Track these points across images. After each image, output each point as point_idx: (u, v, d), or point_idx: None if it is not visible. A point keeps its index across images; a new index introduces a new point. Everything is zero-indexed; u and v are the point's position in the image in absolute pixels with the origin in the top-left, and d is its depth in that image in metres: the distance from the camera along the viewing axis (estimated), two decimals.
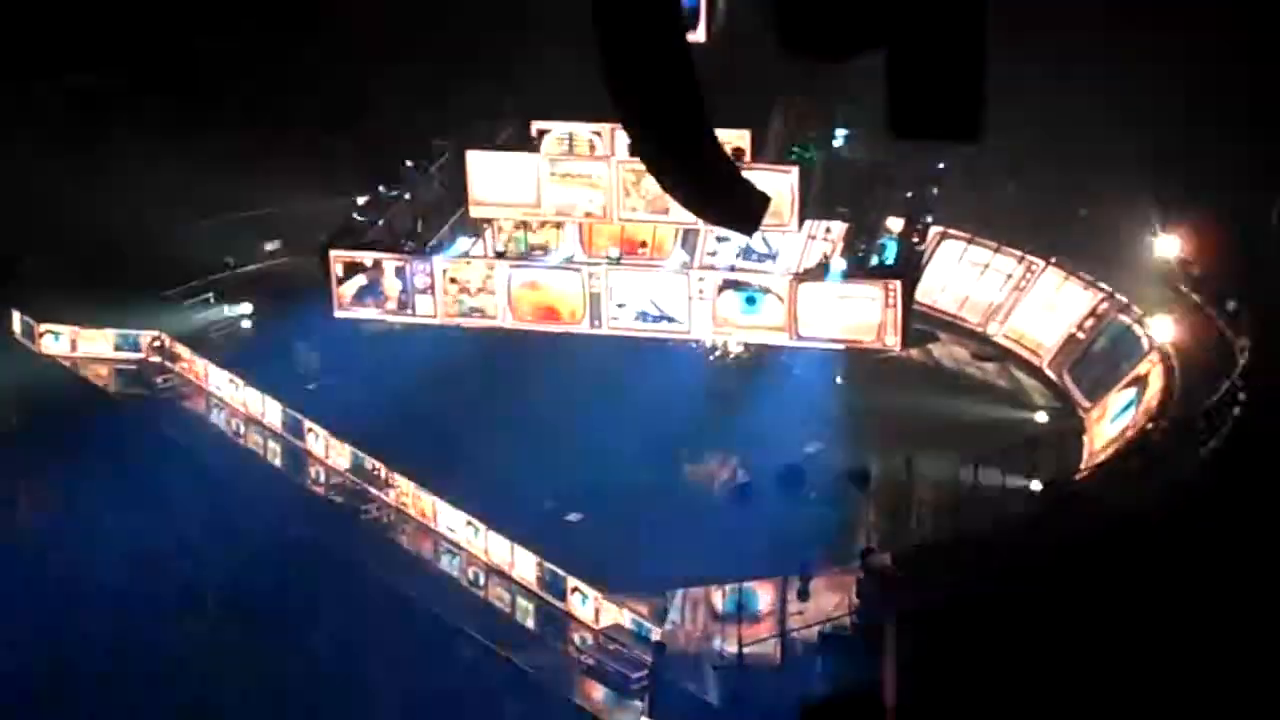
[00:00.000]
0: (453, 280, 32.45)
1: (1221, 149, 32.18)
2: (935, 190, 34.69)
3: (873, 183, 34.79)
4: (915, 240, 33.34)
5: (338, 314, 32.96)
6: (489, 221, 34.78)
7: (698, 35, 31.17)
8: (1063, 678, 19.47)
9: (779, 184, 30.31)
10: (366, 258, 32.75)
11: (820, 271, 31.67)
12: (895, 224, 34.14)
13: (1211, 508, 23.84)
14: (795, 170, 31.60)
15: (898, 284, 30.72)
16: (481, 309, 32.37)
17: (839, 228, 34.17)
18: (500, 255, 33.14)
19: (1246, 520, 22.73)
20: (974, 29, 8.38)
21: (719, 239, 33.52)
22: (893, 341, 30.91)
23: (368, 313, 32.90)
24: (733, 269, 31.84)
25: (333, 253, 32.94)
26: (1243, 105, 32.23)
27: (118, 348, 36.38)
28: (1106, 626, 21.03)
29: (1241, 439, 26.63)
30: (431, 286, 32.44)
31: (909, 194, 34.49)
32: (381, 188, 35.41)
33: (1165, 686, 19.13)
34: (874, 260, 32.21)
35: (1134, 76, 33.48)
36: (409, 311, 32.67)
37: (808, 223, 33.16)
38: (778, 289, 31.27)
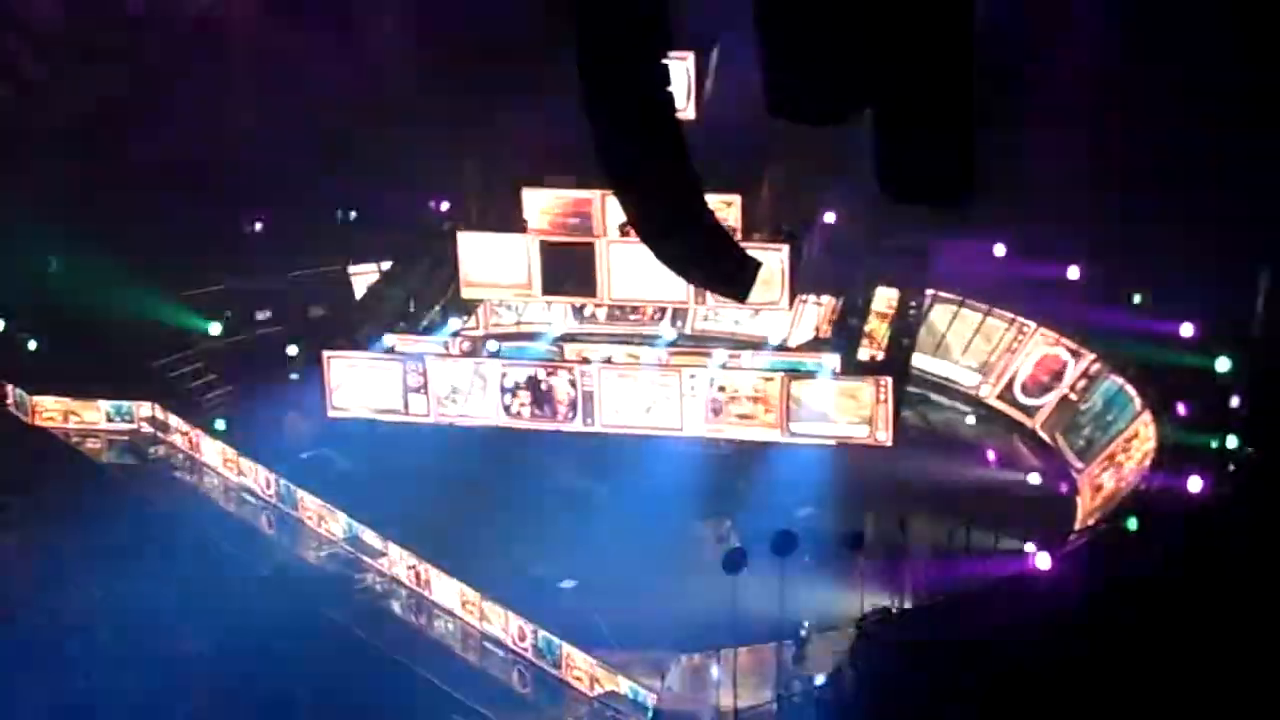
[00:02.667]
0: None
1: (1211, 208, 32.38)
2: (925, 260, 34.81)
3: (863, 254, 34.88)
4: (909, 313, 33.26)
5: (330, 413, 32.85)
6: (480, 302, 34.78)
7: (687, 112, 31.31)
8: None
9: (769, 260, 30.12)
10: (359, 359, 32.75)
11: (813, 347, 31.61)
12: (887, 294, 34.20)
13: (1205, 565, 23.87)
14: (786, 247, 31.49)
15: (889, 380, 30.50)
16: (470, 413, 32.19)
17: (830, 301, 34.19)
18: (494, 354, 32.73)
19: (1242, 576, 22.76)
20: (961, 93, 8.49)
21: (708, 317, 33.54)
22: (884, 437, 30.53)
23: (360, 411, 32.79)
24: (723, 366, 31.43)
25: (325, 354, 32.87)
26: (1237, 165, 32.42)
27: (110, 418, 36.29)
28: (1104, 685, 21.01)
29: (1234, 497, 26.68)
30: (424, 386, 32.36)
31: (900, 264, 34.59)
32: (379, 270, 35.53)
33: None
34: (864, 339, 32.04)
35: (1121, 137, 33.77)
36: (403, 411, 32.53)
37: (798, 297, 33.12)
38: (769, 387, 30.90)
